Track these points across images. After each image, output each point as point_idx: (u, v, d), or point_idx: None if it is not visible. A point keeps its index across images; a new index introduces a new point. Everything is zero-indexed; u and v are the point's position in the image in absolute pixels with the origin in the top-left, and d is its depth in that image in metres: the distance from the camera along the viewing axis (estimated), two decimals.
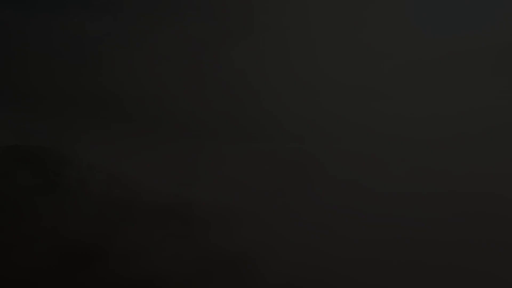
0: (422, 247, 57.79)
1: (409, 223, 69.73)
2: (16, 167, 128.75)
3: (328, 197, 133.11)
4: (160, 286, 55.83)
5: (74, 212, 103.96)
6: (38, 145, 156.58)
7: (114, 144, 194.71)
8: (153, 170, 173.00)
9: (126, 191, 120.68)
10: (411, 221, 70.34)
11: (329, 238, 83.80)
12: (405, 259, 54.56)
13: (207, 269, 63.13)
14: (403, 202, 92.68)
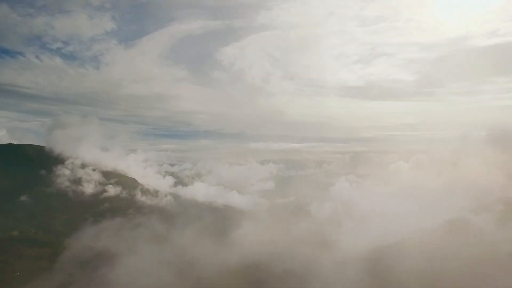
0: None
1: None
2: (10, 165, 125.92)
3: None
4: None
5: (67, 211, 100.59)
6: (32, 143, 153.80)
7: (110, 143, 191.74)
8: (150, 169, 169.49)
9: (121, 190, 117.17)
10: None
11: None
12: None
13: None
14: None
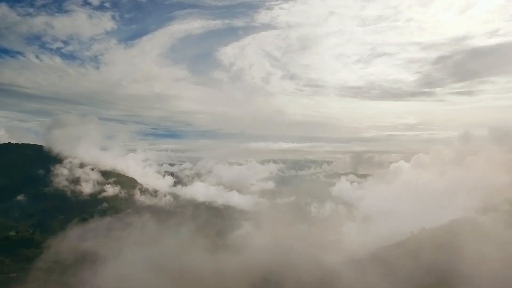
0: None
1: None
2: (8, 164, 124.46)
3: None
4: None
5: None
6: (30, 143, 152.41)
7: (109, 143, 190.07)
8: (149, 169, 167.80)
9: (120, 190, 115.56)
10: None
11: None
12: None
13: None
14: None
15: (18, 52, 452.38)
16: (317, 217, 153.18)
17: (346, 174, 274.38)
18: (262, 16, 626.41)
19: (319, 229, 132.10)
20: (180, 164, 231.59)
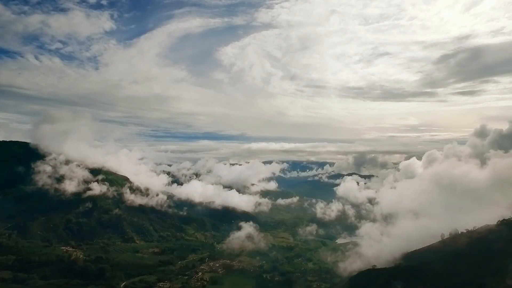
0: None
1: None
2: None
3: None
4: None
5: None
6: (17, 140, 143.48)
7: (104, 141, 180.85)
8: (143, 167, 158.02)
9: (108, 188, 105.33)
10: None
11: None
12: None
13: None
14: None
15: (16, 53, 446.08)
16: (323, 218, 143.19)
17: (349, 174, 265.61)
18: (263, 15, 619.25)
19: (326, 231, 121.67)
20: (179, 164, 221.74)
